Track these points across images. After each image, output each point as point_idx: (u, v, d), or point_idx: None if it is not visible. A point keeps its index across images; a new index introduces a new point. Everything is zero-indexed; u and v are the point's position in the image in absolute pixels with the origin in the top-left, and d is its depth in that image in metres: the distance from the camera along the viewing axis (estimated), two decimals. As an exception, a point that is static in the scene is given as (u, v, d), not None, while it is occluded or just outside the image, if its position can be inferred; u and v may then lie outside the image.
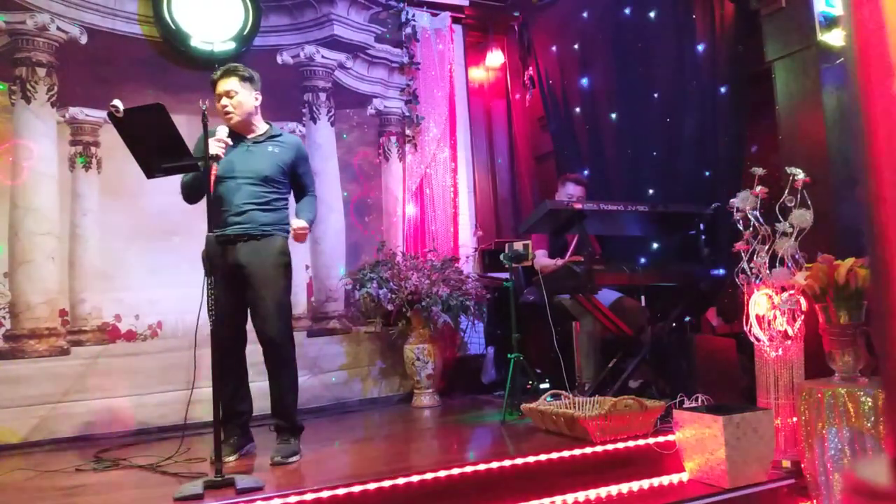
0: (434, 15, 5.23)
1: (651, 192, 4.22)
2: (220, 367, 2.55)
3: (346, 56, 4.86)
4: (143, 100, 2.68)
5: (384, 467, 2.65)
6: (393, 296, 4.24)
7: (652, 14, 4.32)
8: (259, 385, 3.03)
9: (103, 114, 3.85)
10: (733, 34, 3.88)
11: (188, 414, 2.87)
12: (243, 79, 2.91)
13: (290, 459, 2.76)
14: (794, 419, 2.67)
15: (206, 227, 2.57)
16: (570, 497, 2.53)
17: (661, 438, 2.80)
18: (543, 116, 5.35)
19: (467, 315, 4.37)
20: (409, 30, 5.06)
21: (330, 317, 4.60)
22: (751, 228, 2.82)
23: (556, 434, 2.97)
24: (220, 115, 2.91)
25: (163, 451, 2.95)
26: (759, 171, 2.84)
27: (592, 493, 2.56)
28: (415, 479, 2.40)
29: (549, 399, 3.23)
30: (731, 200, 2.88)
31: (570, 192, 4.04)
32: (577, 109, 4.93)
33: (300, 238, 2.90)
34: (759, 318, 2.78)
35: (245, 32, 4.45)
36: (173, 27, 4.25)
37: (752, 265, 2.82)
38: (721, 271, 3.53)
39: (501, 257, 3.71)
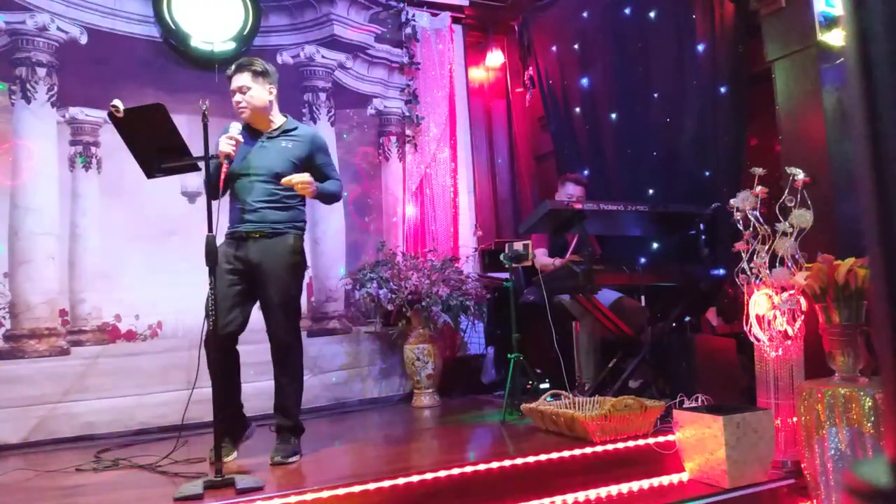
0: (434, 15, 5.23)
1: (651, 192, 4.22)
2: (219, 364, 2.54)
3: (346, 56, 4.86)
4: (143, 100, 2.68)
5: (384, 467, 2.65)
6: (393, 296, 4.24)
7: (652, 14, 4.32)
8: (260, 385, 3.03)
9: (103, 114, 3.86)
10: (733, 34, 3.88)
11: (192, 413, 2.87)
12: (256, 73, 2.88)
13: (291, 459, 2.76)
14: (794, 419, 2.67)
15: (205, 227, 2.57)
16: (570, 497, 2.53)
17: (661, 438, 2.80)
18: (543, 116, 5.35)
19: (467, 315, 4.37)
20: (409, 30, 5.07)
21: (330, 317, 4.60)
22: (751, 228, 2.82)
23: (556, 434, 2.97)
24: (234, 110, 2.90)
25: (163, 452, 2.95)
26: (759, 170, 2.84)
27: (592, 493, 2.56)
28: (415, 479, 2.40)
29: (549, 399, 3.23)
30: (731, 200, 2.88)
31: (569, 192, 4.05)
32: (577, 109, 4.93)
33: (301, 189, 2.76)
34: (759, 318, 2.78)
35: (245, 32, 4.45)
36: (173, 27, 4.26)
37: (752, 265, 2.82)
38: (721, 271, 3.53)
39: (501, 257, 3.71)
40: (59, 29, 4.00)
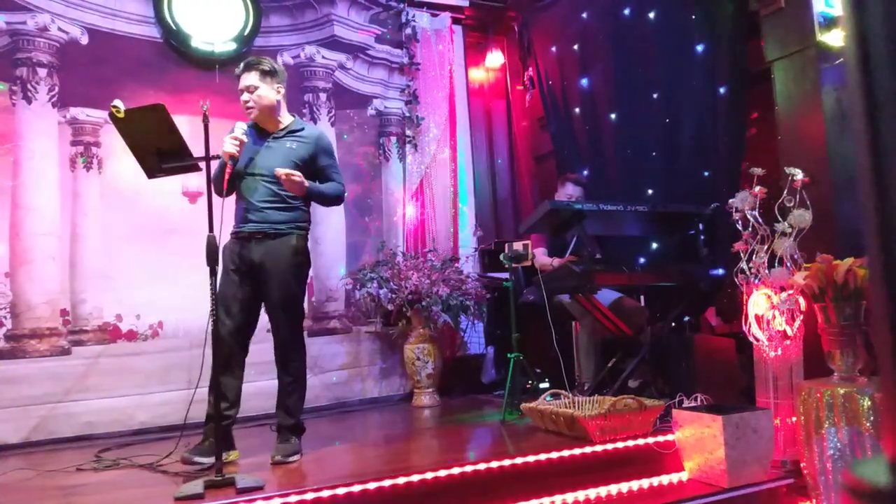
0: (434, 15, 5.23)
1: (651, 192, 4.22)
2: (221, 364, 2.55)
3: (346, 56, 4.86)
4: (144, 100, 2.68)
5: (384, 467, 2.65)
6: (393, 296, 4.24)
7: (652, 14, 4.33)
8: (261, 384, 3.03)
9: (104, 114, 3.86)
10: (733, 34, 3.88)
11: (192, 413, 2.87)
12: (264, 73, 2.87)
13: (291, 459, 2.76)
14: (794, 419, 2.67)
15: (206, 227, 2.57)
16: (570, 497, 2.53)
17: (660, 438, 2.80)
18: (543, 116, 5.35)
19: (467, 315, 4.37)
20: (409, 30, 5.07)
21: (330, 317, 4.60)
22: (750, 228, 2.82)
23: (555, 434, 2.97)
24: (242, 109, 2.90)
25: (163, 451, 2.95)
26: (758, 171, 2.84)
27: (592, 493, 2.57)
28: (415, 478, 2.40)
29: (548, 399, 3.23)
30: (731, 200, 2.89)
31: (569, 193, 4.05)
32: (577, 109, 4.94)
33: (289, 185, 2.72)
34: (759, 318, 2.78)
35: (245, 33, 4.45)
36: (174, 28, 4.26)
37: (751, 265, 2.82)
38: (721, 271, 3.54)
39: (501, 257, 3.71)
40: (59, 29, 4.00)
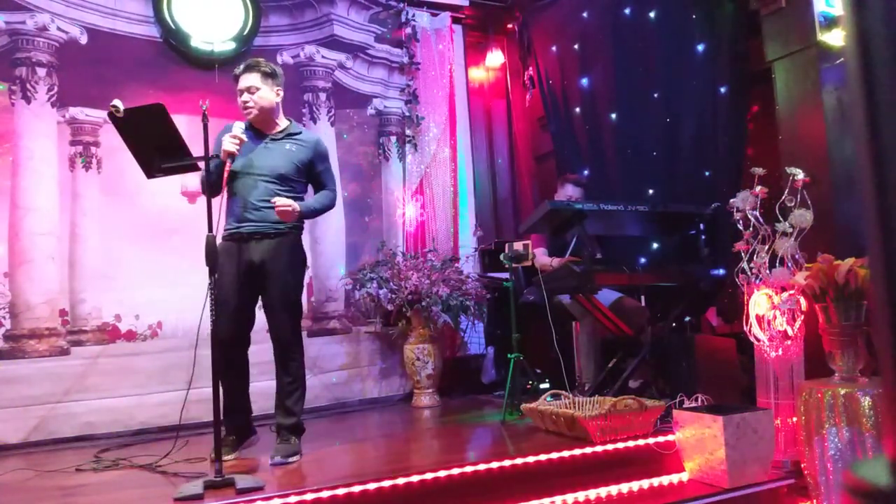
0: (434, 15, 5.23)
1: (651, 192, 4.22)
2: (221, 365, 2.55)
3: (346, 56, 4.86)
4: (144, 100, 2.67)
5: (384, 467, 2.65)
6: (393, 296, 4.24)
7: (652, 14, 4.32)
8: (261, 384, 3.03)
9: (103, 114, 3.85)
10: (733, 34, 3.88)
11: (188, 414, 2.87)
12: (265, 74, 2.89)
13: (291, 459, 2.76)
14: (794, 419, 2.67)
15: (205, 227, 2.57)
16: (570, 497, 2.53)
17: (660, 438, 2.80)
18: (543, 116, 5.35)
19: (467, 315, 4.37)
20: (409, 30, 5.07)
21: (330, 317, 4.60)
22: (751, 228, 2.82)
23: (556, 434, 2.97)
24: (240, 110, 2.90)
25: (163, 452, 2.95)
26: (759, 171, 2.84)
27: (592, 493, 2.56)
28: (415, 479, 2.40)
29: (549, 399, 3.23)
30: (731, 200, 2.88)
31: (569, 194, 4.05)
32: (577, 109, 4.93)
33: (283, 216, 2.77)
34: (759, 318, 2.78)
35: (245, 32, 4.45)
36: (173, 27, 4.26)
37: (752, 265, 2.82)
38: (721, 271, 3.53)
39: (501, 257, 3.71)
40: (59, 29, 3.99)
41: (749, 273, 2.83)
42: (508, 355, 3.54)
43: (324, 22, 4.79)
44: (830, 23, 3.19)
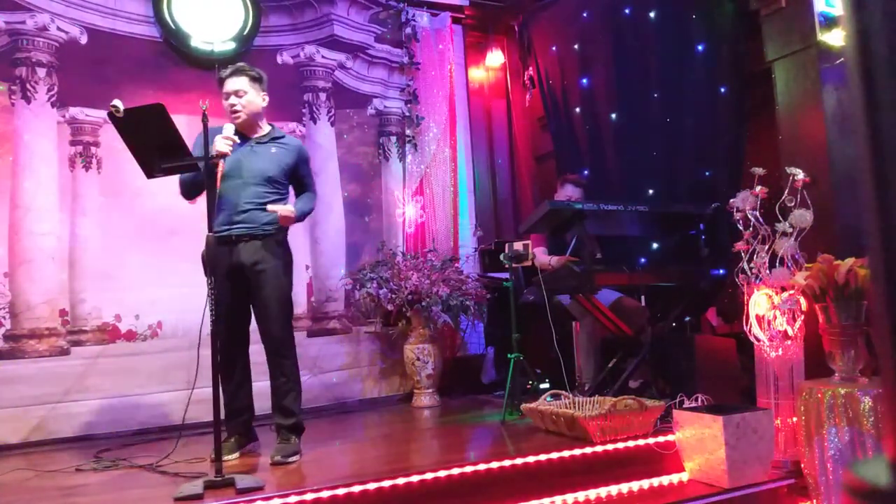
0: (434, 15, 5.23)
1: (651, 192, 4.21)
2: (221, 366, 2.56)
3: (346, 56, 4.85)
4: (143, 100, 2.67)
5: (384, 467, 2.65)
6: (393, 296, 4.24)
7: (652, 14, 4.32)
8: (261, 385, 3.03)
9: (103, 114, 3.85)
10: (733, 34, 3.88)
11: (189, 414, 2.87)
12: (253, 79, 2.93)
13: (291, 459, 2.76)
14: (794, 419, 2.67)
15: (206, 227, 2.57)
16: (570, 497, 2.53)
17: (661, 438, 2.80)
18: (543, 116, 5.35)
19: (467, 315, 4.37)
20: (409, 30, 5.06)
21: (330, 317, 4.60)
22: (751, 228, 2.82)
23: (556, 434, 2.97)
24: (227, 113, 2.91)
25: (163, 452, 2.95)
26: (759, 171, 2.84)
27: (592, 493, 2.56)
28: (415, 479, 2.40)
29: (549, 399, 3.23)
30: (731, 200, 2.88)
31: (568, 194, 4.05)
32: (577, 109, 4.93)
33: (284, 221, 2.87)
34: (759, 318, 2.78)
35: (245, 32, 4.45)
36: (173, 27, 4.25)
37: (752, 265, 2.82)
38: (721, 271, 3.53)
39: (501, 257, 3.71)
40: (59, 29, 3.99)
41: (749, 273, 2.83)
42: (508, 355, 3.54)
43: (324, 22, 4.78)
44: (830, 23, 3.19)
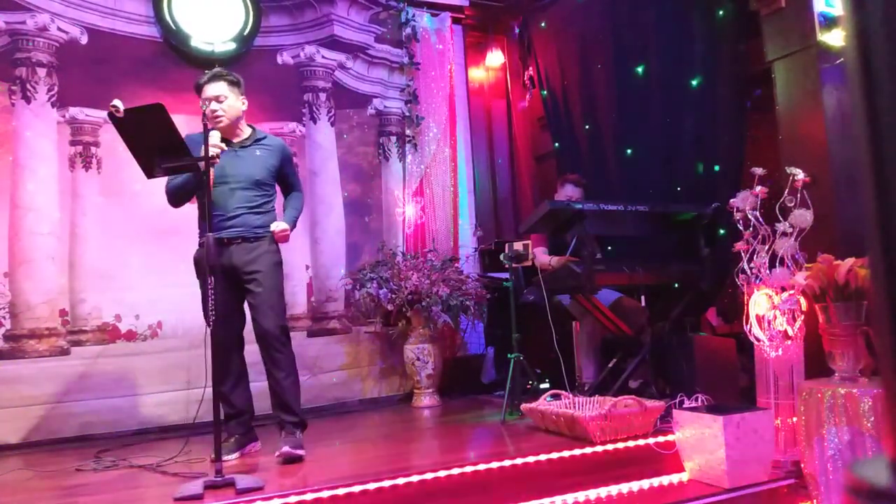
0: (434, 15, 5.23)
1: (651, 192, 4.21)
2: (220, 366, 2.56)
3: (346, 56, 4.86)
4: (143, 100, 2.67)
5: (384, 467, 2.65)
6: (393, 296, 4.24)
7: (652, 14, 4.32)
8: (261, 385, 3.03)
9: (103, 114, 3.85)
10: (733, 34, 3.88)
11: (192, 413, 2.88)
12: (231, 83, 2.95)
13: (298, 452, 2.77)
14: (794, 419, 2.67)
15: (205, 229, 2.58)
16: (570, 497, 2.53)
17: (661, 438, 2.80)
18: (543, 116, 5.35)
19: (467, 315, 4.37)
20: (409, 30, 5.06)
21: (330, 317, 4.60)
22: (751, 228, 2.82)
23: (556, 434, 2.97)
24: (208, 119, 2.89)
25: (163, 451, 2.95)
26: (759, 171, 2.84)
27: (592, 493, 2.56)
28: (415, 479, 2.40)
29: (549, 399, 3.23)
30: (731, 200, 2.88)
31: (568, 194, 4.05)
32: (577, 109, 4.93)
33: (282, 240, 2.98)
34: (759, 318, 2.78)
35: (245, 33, 4.45)
36: (174, 27, 4.26)
37: (752, 265, 2.82)
38: (721, 271, 3.53)
39: (501, 257, 3.71)
40: (59, 29, 3.99)
41: (749, 273, 2.83)
42: (508, 355, 3.54)
43: (324, 22, 4.78)
44: (830, 23, 3.19)
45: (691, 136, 4.07)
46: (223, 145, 2.79)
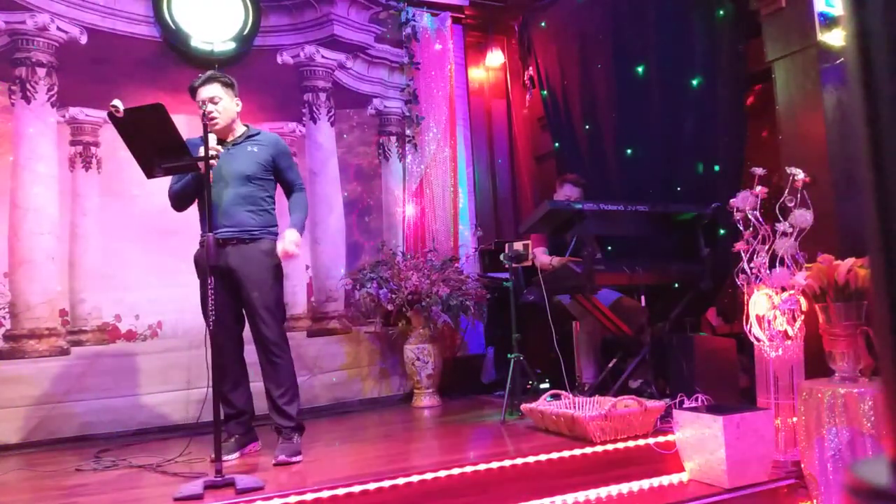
0: (434, 15, 5.23)
1: (651, 191, 4.21)
2: (220, 367, 2.56)
3: (346, 56, 4.85)
4: (143, 100, 2.67)
5: (384, 467, 2.65)
6: (393, 296, 4.24)
7: (652, 14, 4.32)
8: (262, 385, 3.03)
9: (103, 114, 3.85)
10: (733, 34, 3.88)
11: (192, 413, 2.88)
12: (225, 84, 2.96)
13: (294, 459, 2.76)
14: (794, 419, 2.67)
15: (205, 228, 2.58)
16: (570, 497, 2.53)
17: (661, 438, 2.80)
18: (543, 116, 5.35)
19: (467, 315, 4.37)
20: (409, 30, 5.06)
21: (330, 317, 4.60)
22: (751, 228, 2.82)
23: (556, 434, 2.97)
24: (204, 121, 2.89)
25: (163, 451, 2.95)
26: (759, 171, 2.84)
27: (592, 494, 2.56)
28: (415, 479, 2.40)
29: (549, 399, 3.23)
30: (731, 200, 2.88)
31: (567, 194, 4.05)
32: (577, 109, 4.93)
33: (290, 256, 2.89)
34: (759, 318, 2.78)
35: (245, 32, 4.45)
36: (173, 27, 4.26)
37: (752, 265, 2.82)
38: (721, 271, 3.53)
39: (501, 257, 3.71)
40: (59, 29, 3.99)
41: (749, 273, 2.83)
42: (508, 355, 3.54)
43: (324, 22, 4.78)
44: (830, 23, 3.19)
45: (691, 136, 4.07)
46: (220, 148, 2.80)
